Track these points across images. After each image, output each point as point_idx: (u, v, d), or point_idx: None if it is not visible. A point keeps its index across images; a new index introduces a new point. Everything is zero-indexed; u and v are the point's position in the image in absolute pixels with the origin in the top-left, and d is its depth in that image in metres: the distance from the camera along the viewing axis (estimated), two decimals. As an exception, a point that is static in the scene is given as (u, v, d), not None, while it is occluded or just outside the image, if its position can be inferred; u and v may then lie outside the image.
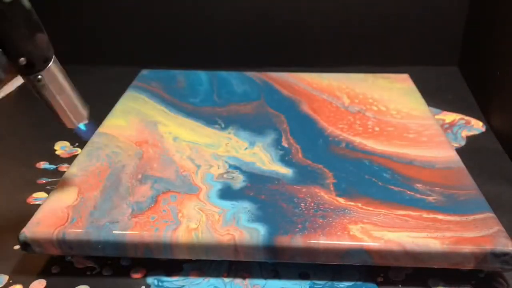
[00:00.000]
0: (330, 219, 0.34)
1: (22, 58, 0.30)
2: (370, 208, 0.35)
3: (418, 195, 0.37)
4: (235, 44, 0.68)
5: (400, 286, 0.34)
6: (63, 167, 0.47)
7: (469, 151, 0.48)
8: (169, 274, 0.35)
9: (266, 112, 0.50)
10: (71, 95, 0.35)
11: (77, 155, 0.45)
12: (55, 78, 0.33)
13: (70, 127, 0.36)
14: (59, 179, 0.40)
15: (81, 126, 0.36)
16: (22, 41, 0.30)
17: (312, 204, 0.36)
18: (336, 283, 0.34)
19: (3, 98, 0.62)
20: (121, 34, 0.69)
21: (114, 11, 0.68)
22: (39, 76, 0.32)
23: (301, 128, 0.47)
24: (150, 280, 0.34)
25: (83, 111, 0.36)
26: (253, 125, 0.47)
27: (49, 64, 0.32)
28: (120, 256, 0.36)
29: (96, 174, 0.40)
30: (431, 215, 0.35)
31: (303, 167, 0.41)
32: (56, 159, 0.48)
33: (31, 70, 0.31)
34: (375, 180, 0.39)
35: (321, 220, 0.34)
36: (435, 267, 0.33)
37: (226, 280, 0.34)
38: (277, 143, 0.44)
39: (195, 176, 0.39)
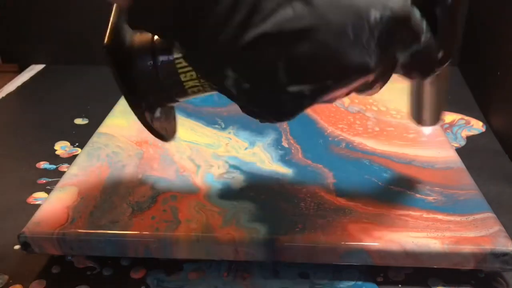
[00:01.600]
0: (330, 219, 0.34)
1: (442, 51, 0.28)
2: (370, 208, 0.35)
3: (418, 195, 0.37)
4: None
5: (400, 286, 0.34)
6: (63, 167, 0.47)
7: (469, 151, 0.48)
8: (169, 274, 0.35)
9: (266, 112, 0.50)
10: (442, 97, 0.34)
11: (77, 155, 0.45)
12: (444, 77, 0.33)
13: (424, 125, 0.35)
14: (59, 179, 0.40)
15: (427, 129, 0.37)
16: (451, 34, 0.28)
17: (312, 204, 0.36)
18: (336, 283, 0.34)
19: (3, 98, 0.62)
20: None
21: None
22: (440, 69, 0.29)
23: (301, 128, 0.47)
24: (150, 280, 0.34)
25: (440, 115, 0.35)
26: (253, 125, 0.47)
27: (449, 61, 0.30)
28: (120, 256, 0.36)
29: (96, 174, 0.40)
30: (431, 215, 0.35)
31: (303, 167, 0.41)
32: (56, 159, 0.48)
33: (441, 64, 0.28)
34: (375, 180, 0.39)
35: (321, 220, 0.34)
36: (435, 267, 0.33)
37: (226, 280, 0.34)
38: (277, 143, 0.44)
39: (195, 176, 0.39)
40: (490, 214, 0.35)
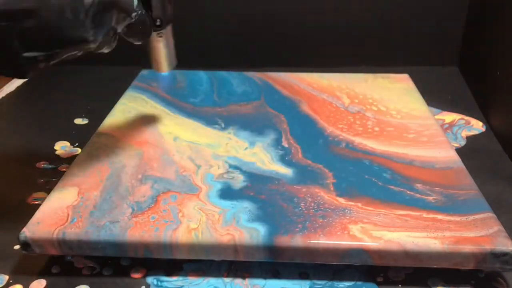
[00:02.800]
0: (330, 219, 0.34)
1: (158, 20, 0.40)
2: (370, 208, 0.35)
3: (418, 195, 0.37)
4: (235, 44, 0.68)
5: (400, 286, 0.34)
6: (63, 167, 0.47)
7: (469, 151, 0.48)
8: (169, 274, 0.35)
9: (266, 112, 0.50)
10: (171, 50, 0.45)
11: (77, 155, 0.45)
12: (169, 35, 0.44)
13: (162, 71, 0.45)
14: (59, 179, 0.40)
15: (166, 73, 0.46)
16: (162, 9, 0.40)
17: (312, 204, 0.36)
18: (336, 283, 0.34)
19: (3, 98, 0.62)
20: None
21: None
22: (162, 32, 0.42)
23: (301, 128, 0.47)
24: (150, 280, 0.34)
25: (173, 63, 0.46)
26: (253, 125, 0.47)
27: (170, 25, 0.43)
28: (120, 256, 0.36)
29: (96, 174, 0.40)
30: (431, 215, 0.35)
31: (303, 167, 0.41)
32: (56, 159, 0.48)
33: (160, 28, 0.41)
34: (375, 180, 0.39)
35: (321, 220, 0.34)
36: (435, 267, 0.33)
37: (226, 280, 0.34)
38: (277, 143, 0.44)
39: (195, 176, 0.39)
40: (490, 214, 0.35)
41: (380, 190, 0.37)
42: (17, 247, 0.37)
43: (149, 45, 0.43)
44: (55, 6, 0.30)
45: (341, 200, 0.36)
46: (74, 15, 0.31)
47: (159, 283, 0.34)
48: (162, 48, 0.44)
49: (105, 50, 0.35)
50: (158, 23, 0.41)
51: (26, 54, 0.30)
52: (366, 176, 0.39)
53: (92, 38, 0.32)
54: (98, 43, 0.33)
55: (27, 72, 0.32)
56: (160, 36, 0.43)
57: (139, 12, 0.37)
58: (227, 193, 0.37)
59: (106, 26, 0.33)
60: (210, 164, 0.41)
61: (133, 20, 0.36)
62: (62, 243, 0.34)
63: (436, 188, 0.37)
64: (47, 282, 0.34)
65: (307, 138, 0.45)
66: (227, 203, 0.36)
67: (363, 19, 0.66)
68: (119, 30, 0.35)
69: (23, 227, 0.34)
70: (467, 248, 0.32)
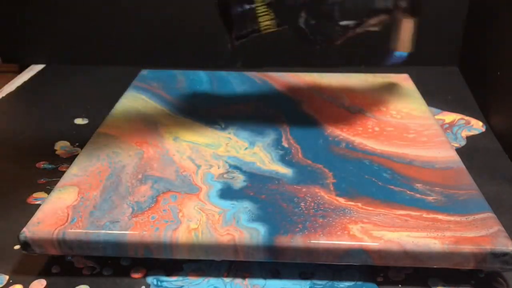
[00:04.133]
0: (330, 219, 0.34)
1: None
2: (370, 208, 0.35)
3: (418, 195, 0.37)
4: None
5: (400, 286, 0.34)
6: (63, 167, 0.47)
7: (469, 151, 0.48)
8: (169, 274, 0.35)
9: (266, 112, 0.50)
10: (414, 32, 0.46)
11: (77, 155, 0.45)
12: (415, 18, 0.46)
13: (407, 50, 0.46)
14: (59, 179, 0.40)
15: (402, 53, 0.47)
16: None
17: (312, 204, 0.36)
18: (336, 283, 0.34)
19: (3, 98, 0.62)
20: (121, 34, 0.69)
21: (115, 11, 0.68)
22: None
23: (301, 128, 0.47)
24: (150, 280, 0.34)
25: (412, 45, 0.47)
26: (253, 125, 0.47)
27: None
28: (120, 256, 0.36)
29: (96, 174, 0.40)
30: (431, 215, 0.35)
31: (303, 167, 0.41)
32: (56, 159, 0.48)
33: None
34: (375, 180, 0.39)
35: (321, 220, 0.34)
36: (435, 267, 0.33)
37: (226, 280, 0.34)
38: (277, 143, 0.44)
39: (195, 176, 0.39)
40: (490, 214, 0.35)
41: (380, 190, 0.37)
42: (17, 247, 0.37)
43: (397, 23, 0.45)
44: None
45: (341, 200, 0.36)
46: None
47: (159, 283, 0.34)
48: (408, 28, 0.45)
49: (376, 28, 0.41)
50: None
51: (342, 23, 0.39)
52: (366, 176, 0.39)
53: (392, 7, 0.40)
54: (391, 15, 0.41)
55: (340, 36, 0.40)
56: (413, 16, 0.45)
57: None
58: (227, 193, 0.37)
59: None
60: (210, 164, 0.41)
61: None
62: (62, 243, 0.34)
63: (436, 188, 0.37)
64: (47, 282, 0.34)
65: (307, 138, 0.45)
66: (227, 203, 0.36)
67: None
68: (404, 4, 0.42)
69: (23, 227, 0.34)
70: (467, 248, 0.32)
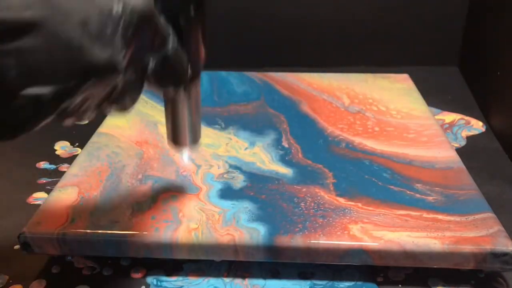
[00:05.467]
0: (330, 219, 0.34)
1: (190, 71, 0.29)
2: (370, 208, 0.35)
3: (418, 195, 0.37)
4: (235, 44, 0.68)
5: (400, 286, 0.34)
6: (63, 167, 0.47)
7: (469, 151, 0.48)
8: (169, 274, 0.35)
9: (266, 112, 0.50)
10: (198, 117, 0.33)
11: (77, 155, 0.45)
12: (197, 94, 0.32)
13: (181, 146, 0.34)
14: (59, 179, 0.40)
15: (185, 154, 0.36)
16: (195, 51, 0.29)
17: (312, 204, 0.36)
18: (336, 283, 0.34)
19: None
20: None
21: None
22: (190, 87, 0.31)
23: (301, 128, 0.47)
24: (150, 280, 0.34)
25: (198, 136, 0.34)
26: (253, 125, 0.47)
27: (199, 79, 0.31)
28: (120, 256, 0.36)
29: (96, 174, 0.40)
30: (431, 215, 0.35)
31: (303, 167, 0.41)
32: (56, 159, 0.48)
33: (193, 79, 0.29)
34: (375, 180, 0.39)
35: (321, 220, 0.34)
36: (435, 267, 0.33)
37: (226, 280, 0.34)
38: (277, 143, 0.44)
39: (195, 176, 0.39)
40: (490, 214, 0.35)
41: (380, 190, 0.37)
42: (17, 247, 0.37)
43: (167, 106, 0.32)
44: (70, 16, 0.20)
45: (341, 200, 0.36)
46: (98, 27, 0.20)
47: (159, 283, 0.34)
48: (186, 111, 0.31)
49: (129, 103, 0.26)
50: (190, 72, 0.28)
51: (27, 92, 0.20)
52: (366, 176, 0.39)
53: (122, 66, 0.22)
54: (126, 78, 0.23)
55: (28, 122, 0.22)
56: (188, 93, 0.30)
57: (176, 45, 0.26)
58: (227, 193, 0.37)
59: (138, 51, 0.23)
60: (210, 164, 0.41)
61: (169, 53, 0.26)
62: (62, 243, 0.33)
63: (436, 188, 0.37)
64: (47, 282, 0.34)
65: (307, 138, 0.45)
66: (227, 203, 0.36)
67: (363, 19, 0.66)
68: (151, 63, 0.25)
69: (23, 227, 0.34)
70: (467, 248, 0.32)
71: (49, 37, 0.19)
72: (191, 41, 0.27)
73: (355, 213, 0.35)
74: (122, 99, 0.25)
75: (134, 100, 0.26)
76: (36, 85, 0.20)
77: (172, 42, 0.26)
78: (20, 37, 0.19)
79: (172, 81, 0.28)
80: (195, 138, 0.33)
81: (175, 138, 0.33)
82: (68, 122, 0.23)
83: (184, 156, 0.37)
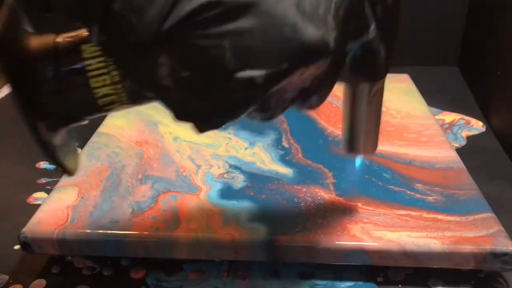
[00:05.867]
0: (330, 219, 0.34)
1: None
2: (370, 208, 0.35)
3: (418, 195, 0.37)
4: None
5: (400, 286, 0.34)
6: (63, 167, 0.47)
7: (469, 151, 0.48)
8: (169, 274, 0.35)
9: (266, 112, 0.50)
10: (379, 121, 0.29)
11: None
12: (381, 94, 0.28)
13: (365, 153, 0.31)
14: (59, 179, 0.40)
15: (359, 159, 0.32)
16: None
17: (312, 204, 0.36)
18: (336, 283, 0.34)
19: (3, 98, 0.62)
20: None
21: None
22: (376, 87, 0.27)
23: (301, 128, 0.47)
24: (150, 280, 0.34)
25: (375, 145, 0.30)
26: (253, 125, 0.47)
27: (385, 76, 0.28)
28: (120, 256, 0.36)
29: (96, 174, 0.40)
30: (431, 215, 0.35)
31: (303, 167, 0.41)
32: (56, 159, 0.48)
33: (386, 68, 0.27)
34: (375, 180, 0.39)
35: (321, 220, 0.34)
36: (435, 267, 0.33)
37: (226, 280, 0.34)
38: (277, 143, 0.44)
39: (195, 176, 0.39)
40: (490, 214, 0.35)
41: (380, 190, 0.37)
42: (17, 247, 0.37)
43: (348, 106, 0.29)
44: None
45: (341, 200, 0.36)
46: (312, 6, 0.20)
47: (159, 283, 0.34)
48: (371, 115, 0.28)
49: (310, 102, 0.24)
50: (383, 58, 0.25)
51: (241, 74, 0.20)
52: (366, 176, 0.39)
53: (333, 44, 0.21)
54: (330, 64, 0.22)
55: (240, 104, 0.21)
56: (371, 92, 0.27)
57: (376, 35, 0.24)
58: (227, 193, 0.37)
59: (345, 34, 0.22)
60: (210, 164, 0.41)
61: (369, 39, 0.24)
62: (62, 243, 0.33)
63: (436, 188, 0.37)
64: (47, 282, 0.34)
65: (307, 138, 0.45)
66: (227, 203, 0.36)
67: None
68: (352, 51, 0.24)
69: (23, 227, 0.34)
70: (467, 248, 0.32)
71: (265, 17, 0.19)
72: (389, 33, 0.25)
73: (355, 213, 0.35)
74: (317, 92, 0.24)
75: (325, 95, 0.24)
76: (250, 67, 0.20)
77: (373, 31, 0.24)
78: (237, 18, 0.19)
79: (370, 72, 0.26)
80: (374, 145, 0.31)
81: (353, 145, 0.30)
82: (262, 116, 0.23)
83: (358, 162, 0.34)
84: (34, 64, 0.23)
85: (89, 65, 0.23)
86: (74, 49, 0.23)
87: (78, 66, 0.23)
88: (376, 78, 0.26)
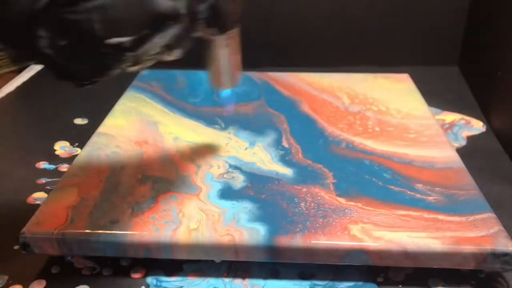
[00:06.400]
0: (330, 219, 0.34)
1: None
2: (370, 208, 0.35)
3: (418, 195, 0.37)
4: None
5: (400, 286, 0.34)
6: (63, 167, 0.47)
7: (469, 151, 0.48)
8: (169, 274, 0.35)
9: (266, 112, 0.50)
10: (237, 60, 0.37)
11: (77, 155, 0.45)
12: (236, 40, 0.36)
13: (221, 88, 0.38)
14: (59, 179, 0.40)
15: (226, 92, 0.38)
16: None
17: (312, 204, 0.36)
18: (336, 283, 0.34)
19: (3, 98, 0.62)
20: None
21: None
22: (229, 32, 0.34)
23: (301, 128, 0.47)
24: (150, 280, 0.34)
25: (237, 79, 0.38)
26: (253, 125, 0.47)
27: (237, 26, 0.35)
28: (120, 256, 0.36)
29: (96, 174, 0.40)
30: (431, 215, 0.35)
31: (303, 167, 0.41)
32: (56, 159, 0.48)
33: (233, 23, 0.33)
34: (375, 180, 0.39)
35: (321, 220, 0.34)
36: (435, 267, 0.33)
37: (226, 280, 0.34)
38: (277, 143, 0.44)
39: (195, 176, 0.39)
40: (491, 214, 0.35)
41: (380, 190, 0.37)
42: (17, 247, 0.37)
43: (211, 51, 0.36)
44: None
45: (341, 200, 0.36)
46: None
47: (158, 283, 0.34)
48: (227, 56, 0.36)
49: (175, 54, 0.29)
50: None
51: (111, 41, 0.24)
52: (366, 176, 0.39)
53: (184, 11, 0.26)
54: (185, 24, 0.27)
55: (113, 64, 0.26)
56: (228, 38, 0.34)
57: None
58: (227, 193, 0.37)
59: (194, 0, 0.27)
60: (210, 164, 0.41)
61: (216, 1, 0.29)
62: (61, 243, 0.33)
63: (437, 188, 0.37)
64: (47, 282, 0.34)
65: (307, 138, 0.45)
66: (227, 203, 0.36)
67: (363, 19, 0.66)
68: (202, 11, 0.28)
69: (23, 227, 0.34)
70: (468, 248, 0.32)
71: None
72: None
73: (355, 213, 0.35)
74: (177, 46, 0.28)
75: (186, 48, 0.29)
76: (118, 35, 0.24)
77: None
78: None
79: (218, 26, 0.32)
80: (233, 81, 0.38)
81: (217, 82, 0.37)
82: (134, 68, 0.27)
83: (224, 95, 0.39)
84: None
85: None
86: None
87: None
88: (226, 29, 0.33)
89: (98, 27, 0.23)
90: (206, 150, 0.43)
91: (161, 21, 0.25)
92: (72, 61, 0.25)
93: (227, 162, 0.41)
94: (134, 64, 0.26)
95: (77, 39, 0.24)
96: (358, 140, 0.44)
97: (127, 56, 0.25)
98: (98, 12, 0.23)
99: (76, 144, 0.51)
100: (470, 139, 0.50)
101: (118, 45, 0.24)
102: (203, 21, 0.29)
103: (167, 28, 0.26)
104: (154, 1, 0.25)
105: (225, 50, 0.36)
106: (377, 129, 0.46)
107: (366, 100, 0.51)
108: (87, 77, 0.27)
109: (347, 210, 0.35)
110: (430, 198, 0.36)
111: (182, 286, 0.34)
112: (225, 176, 0.40)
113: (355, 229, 0.33)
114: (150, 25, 0.25)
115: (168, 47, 0.27)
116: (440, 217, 0.34)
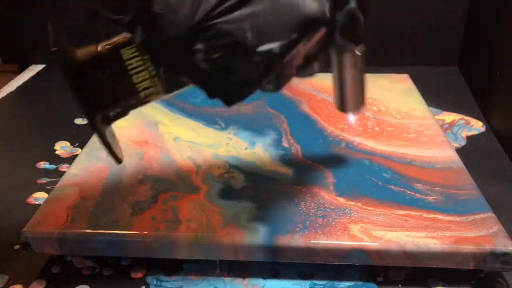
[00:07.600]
0: (330, 218, 0.34)
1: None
2: (370, 208, 0.35)
3: (418, 195, 0.37)
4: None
5: (400, 286, 0.34)
6: (63, 167, 0.47)
7: (469, 151, 0.48)
8: (169, 274, 0.35)
9: (266, 112, 0.50)
10: (364, 81, 0.35)
11: (77, 155, 0.45)
12: (363, 59, 0.34)
13: (348, 111, 0.36)
14: (59, 179, 0.40)
15: (351, 116, 0.37)
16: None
17: (312, 204, 0.36)
18: (336, 283, 0.34)
19: (3, 98, 0.62)
20: (121, 34, 0.69)
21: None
22: (359, 50, 0.33)
23: (301, 128, 0.47)
24: (150, 280, 0.34)
25: (364, 101, 0.36)
26: (253, 125, 0.47)
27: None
28: (120, 256, 0.36)
29: (96, 174, 0.40)
30: (431, 215, 0.35)
31: (303, 167, 0.41)
32: (56, 159, 0.48)
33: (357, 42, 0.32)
34: (375, 180, 0.39)
35: (321, 220, 0.34)
36: (435, 267, 0.33)
37: (226, 280, 0.34)
38: (277, 143, 0.44)
39: (195, 176, 0.39)
40: (490, 214, 0.35)
41: (380, 190, 0.37)
42: (17, 247, 0.37)
43: (336, 71, 0.34)
44: None
45: (341, 200, 0.36)
46: None
47: (159, 283, 0.34)
48: (355, 76, 0.34)
49: (309, 70, 0.29)
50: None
51: (261, 48, 0.24)
52: (366, 176, 0.39)
53: (329, 15, 0.26)
54: (326, 32, 0.27)
55: (264, 72, 0.25)
56: (355, 56, 0.33)
57: (356, 5, 0.29)
58: (227, 193, 0.37)
59: (334, 6, 0.26)
60: (210, 164, 0.41)
61: (352, 11, 0.29)
62: (62, 243, 0.33)
63: (436, 188, 0.37)
64: (47, 282, 0.34)
65: (307, 138, 0.45)
66: (227, 203, 0.36)
67: (363, 19, 0.66)
68: (340, 19, 0.28)
69: (23, 227, 0.34)
70: (467, 248, 0.32)
71: (272, 0, 0.24)
72: (363, 2, 0.30)
73: (355, 213, 0.35)
74: (317, 58, 0.29)
75: (324, 61, 0.30)
76: (268, 42, 0.24)
77: (354, 1, 0.29)
78: (251, 4, 0.24)
79: (355, 37, 0.31)
80: (360, 104, 0.36)
81: (342, 104, 0.35)
82: (270, 87, 0.27)
83: (350, 119, 0.38)
84: (85, 69, 0.28)
85: (130, 64, 0.27)
86: (114, 54, 0.28)
87: (120, 67, 0.27)
88: (359, 40, 0.32)
89: (251, 35, 0.24)
90: (206, 150, 0.43)
91: (309, 24, 0.25)
92: (225, 74, 0.25)
93: (227, 162, 0.41)
94: (276, 78, 0.27)
95: (231, 50, 0.24)
96: (358, 140, 0.44)
97: (276, 63, 0.25)
98: (250, 20, 0.24)
99: (77, 144, 0.51)
100: (470, 139, 0.50)
101: (268, 52, 0.24)
102: (340, 29, 0.28)
103: (312, 32, 0.26)
104: (302, 4, 0.24)
105: (354, 71, 0.34)
106: (377, 129, 0.46)
107: (366, 100, 0.51)
108: (237, 91, 0.27)
109: (346, 210, 0.35)
110: (430, 198, 0.36)
111: (182, 286, 0.34)
112: (225, 176, 0.40)
113: (354, 229, 0.33)
114: (298, 28, 0.25)
115: (309, 59, 0.28)
116: (440, 217, 0.34)
